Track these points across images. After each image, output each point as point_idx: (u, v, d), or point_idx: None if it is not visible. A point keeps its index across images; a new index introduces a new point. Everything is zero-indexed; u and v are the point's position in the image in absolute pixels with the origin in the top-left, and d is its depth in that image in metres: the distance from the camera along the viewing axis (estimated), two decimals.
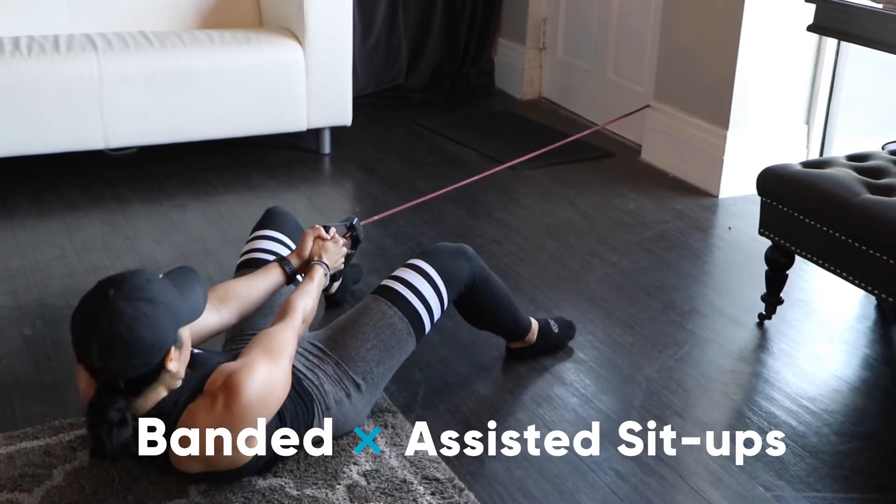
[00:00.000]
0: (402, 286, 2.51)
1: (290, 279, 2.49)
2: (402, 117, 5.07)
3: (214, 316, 2.31)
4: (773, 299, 3.06)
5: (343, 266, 2.66)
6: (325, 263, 2.51)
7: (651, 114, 4.45)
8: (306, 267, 2.52)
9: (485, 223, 3.79)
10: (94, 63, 3.90)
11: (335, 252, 2.57)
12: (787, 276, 3.03)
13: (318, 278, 2.47)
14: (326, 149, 4.50)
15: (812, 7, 3.30)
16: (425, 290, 2.52)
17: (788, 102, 4.15)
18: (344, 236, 2.67)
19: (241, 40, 4.18)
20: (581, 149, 4.55)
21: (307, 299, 2.38)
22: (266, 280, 2.45)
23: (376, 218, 3.24)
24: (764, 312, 3.09)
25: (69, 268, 3.34)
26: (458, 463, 2.39)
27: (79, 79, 3.87)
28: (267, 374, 2.11)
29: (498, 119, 5.12)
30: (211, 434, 2.05)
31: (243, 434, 2.07)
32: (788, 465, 2.43)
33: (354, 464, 2.35)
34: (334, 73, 4.32)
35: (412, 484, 2.29)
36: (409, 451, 2.39)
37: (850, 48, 4.06)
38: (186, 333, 2.10)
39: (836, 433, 2.57)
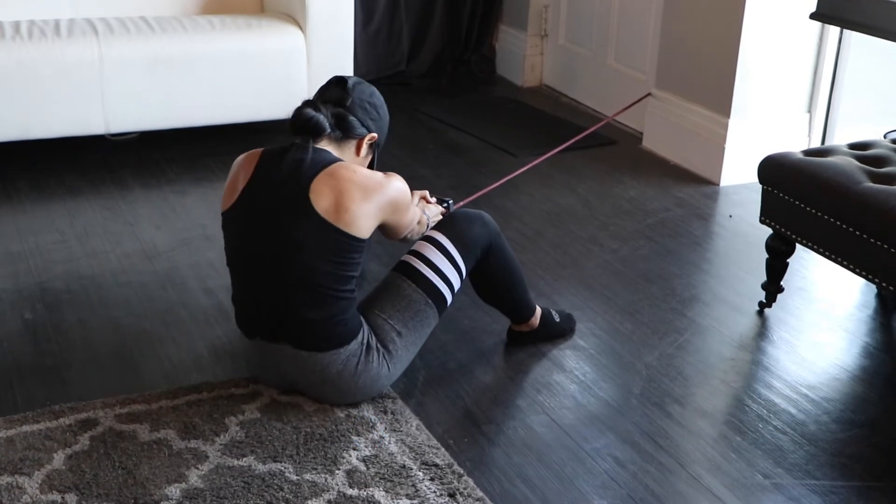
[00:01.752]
0: (417, 260, 2.58)
1: None
2: (404, 103, 5.06)
3: None
4: (773, 287, 3.06)
5: None
6: (427, 214, 2.77)
7: (652, 101, 4.44)
8: None
9: (485, 209, 3.76)
10: (95, 48, 3.89)
11: (435, 213, 2.82)
12: (787, 264, 3.03)
13: (433, 212, 2.79)
14: None
15: None
16: (440, 262, 2.58)
17: (790, 90, 4.15)
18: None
19: (243, 26, 4.17)
20: (583, 137, 4.54)
21: (420, 211, 2.72)
22: None
23: (468, 200, 3.46)
24: (764, 300, 3.09)
25: (70, 252, 3.34)
26: (458, 449, 2.39)
27: (80, 64, 3.87)
28: (409, 193, 2.56)
29: (499, 106, 5.11)
30: (365, 178, 2.41)
31: (377, 202, 2.42)
32: (787, 453, 2.43)
33: (354, 449, 2.36)
34: (335, 59, 4.31)
35: (411, 469, 2.29)
36: (409, 437, 2.40)
37: (852, 36, 4.05)
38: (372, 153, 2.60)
39: (835, 421, 2.57)
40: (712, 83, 4.10)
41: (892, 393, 2.73)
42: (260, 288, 2.46)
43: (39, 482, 2.22)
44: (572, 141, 4.31)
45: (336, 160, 2.44)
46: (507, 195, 3.95)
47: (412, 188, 3.62)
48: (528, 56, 5.43)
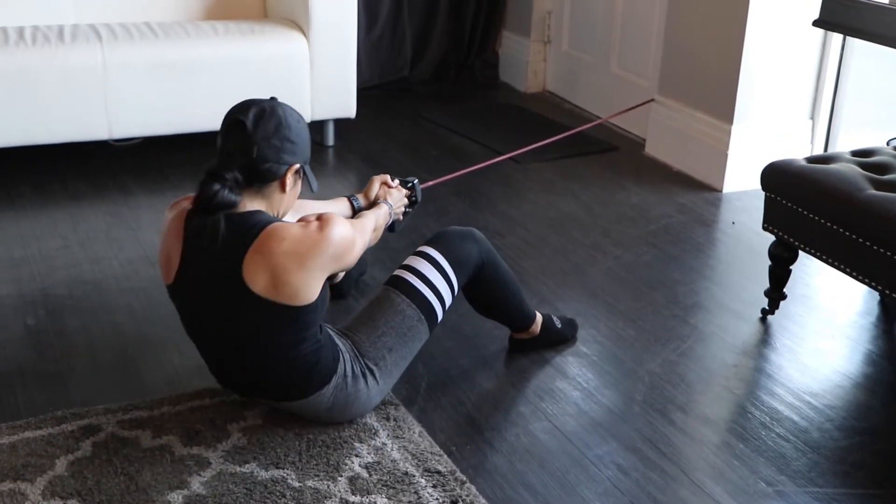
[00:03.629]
0: (410, 275, 2.54)
1: (356, 214, 2.71)
2: (407, 109, 5.06)
3: (291, 219, 2.45)
4: (776, 294, 3.06)
5: (401, 217, 2.84)
6: (389, 203, 2.74)
7: (655, 108, 4.44)
8: (372, 207, 2.75)
9: (488, 216, 3.79)
10: (99, 53, 3.89)
11: (398, 199, 2.79)
12: (790, 271, 3.03)
13: (383, 212, 2.71)
14: (330, 140, 4.50)
15: (818, 2, 3.30)
16: (433, 277, 2.54)
17: (793, 97, 4.15)
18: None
19: (246, 32, 4.18)
20: (585, 142, 4.55)
21: (373, 218, 2.64)
22: (335, 207, 2.71)
23: (432, 183, 3.35)
24: (767, 307, 3.09)
25: (72, 258, 3.35)
26: (460, 455, 2.39)
27: (83, 69, 3.87)
28: (352, 230, 2.35)
29: (502, 112, 5.11)
30: (296, 243, 2.22)
31: (318, 265, 2.24)
32: (790, 461, 2.43)
33: (356, 456, 2.35)
34: (339, 65, 4.31)
35: (414, 476, 2.29)
36: (412, 444, 2.40)
37: (855, 43, 4.05)
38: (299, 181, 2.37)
39: (838, 429, 2.57)
40: (715, 90, 4.10)
41: (894, 400, 2.73)
42: (221, 358, 2.41)
43: (42, 488, 2.21)
44: (562, 136, 4.32)
45: (260, 225, 2.24)
46: (509, 201, 3.95)
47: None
48: (531, 62, 5.43)
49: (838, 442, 2.52)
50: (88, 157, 4.20)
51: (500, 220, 3.76)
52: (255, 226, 2.25)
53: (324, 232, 2.26)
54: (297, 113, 2.37)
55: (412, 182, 2.88)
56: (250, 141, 2.25)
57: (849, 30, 3.38)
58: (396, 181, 2.85)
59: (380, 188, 2.78)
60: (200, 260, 2.29)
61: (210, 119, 4.15)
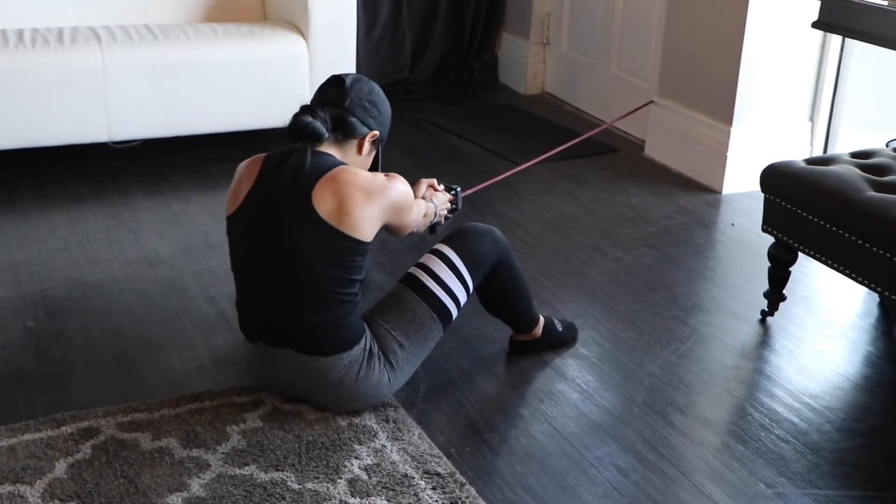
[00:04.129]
0: (424, 274, 2.57)
1: None
2: (406, 110, 5.06)
3: None
4: (775, 296, 3.06)
5: (443, 221, 2.88)
6: (434, 203, 2.80)
7: (655, 109, 4.44)
8: None
9: (488, 217, 3.78)
10: (98, 56, 3.89)
11: (443, 201, 2.86)
12: (789, 272, 3.03)
13: (431, 208, 2.78)
14: None
15: (817, 3, 3.30)
16: (447, 277, 2.57)
17: (792, 99, 4.15)
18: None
19: (245, 34, 4.18)
20: (585, 144, 4.54)
21: (424, 206, 2.73)
22: None
23: (473, 190, 3.42)
24: (766, 309, 3.09)
25: (72, 260, 3.35)
26: (460, 457, 2.39)
27: (83, 71, 3.87)
28: (411, 193, 2.57)
29: (501, 114, 5.11)
30: (367, 181, 2.41)
31: (380, 206, 2.42)
32: (790, 462, 2.43)
33: (356, 458, 2.35)
34: (338, 67, 4.29)
35: (413, 478, 2.29)
36: (411, 446, 2.40)
37: (854, 44, 4.05)
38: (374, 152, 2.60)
39: (838, 430, 2.57)
40: (715, 91, 4.10)
41: (894, 402, 2.73)
42: (263, 292, 2.47)
43: (41, 491, 2.21)
44: (568, 144, 4.31)
45: (338, 163, 2.45)
46: (509, 203, 3.95)
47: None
48: (531, 64, 5.44)
49: (838, 443, 2.52)
50: (88, 159, 4.20)
51: (499, 221, 3.76)
52: (332, 163, 2.43)
53: (391, 182, 2.47)
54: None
55: (456, 190, 2.93)
56: (345, 94, 2.50)
57: (848, 31, 3.38)
58: (442, 186, 2.89)
59: (426, 189, 2.83)
60: (274, 186, 2.44)
61: (210, 121, 4.16)
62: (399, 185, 2.49)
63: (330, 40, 4.26)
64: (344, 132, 2.50)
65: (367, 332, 2.48)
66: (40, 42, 3.86)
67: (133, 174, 4.10)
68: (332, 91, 2.52)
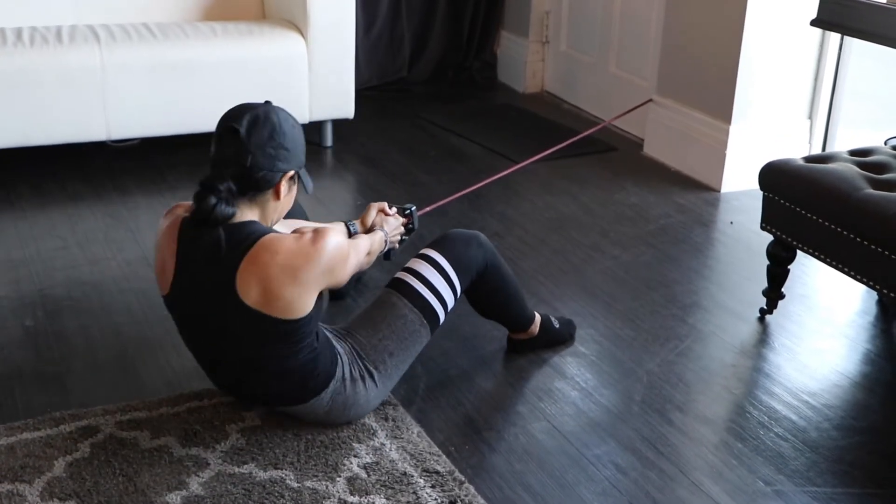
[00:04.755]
0: (413, 278, 2.54)
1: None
2: (405, 110, 5.07)
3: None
4: (774, 294, 3.06)
5: (397, 245, 2.80)
6: (385, 231, 2.71)
7: (654, 108, 4.44)
8: (368, 233, 2.69)
9: (487, 216, 3.79)
10: (97, 54, 3.89)
11: (395, 226, 2.77)
12: (788, 270, 3.03)
13: (378, 238, 2.67)
14: (328, 141, 4.50)
15: (815, 1, 3.30)
16: (437, 281, 2.54)
17: (791, 97, 4.15)
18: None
19: (244, 32, 4.18)
20: (583, 143, 4.54)
21: (368, 242, 2.60)
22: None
23: (429, 209, 3.28)
24: (765, 307, 3.09)
25: (71, 259, 3.35)
26: (459, 456, 2.39)
27: (81, 70, 3.87)
28: (346, 243, 2.34)
29: (500, 112, 5.11)
30: (289, 256, 2.19)
31: (311, 278, 2.21)
32: (788, 460, 2.43)
33: (355, 456, 2.36)
34: (337, 66, 4.32)
35: (412, 476, 2.29)
36: (410, 444, 2.40)
37: (853, 42, 4.05)
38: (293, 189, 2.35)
39: (836, 428, 2.57)
40: (713, 89, 4.10)
41: (893, 400, 2.73)
42: (220, 368, 2.41)
43: (40, 490, 2.21)
44: (567, 143, 4.31)
45: (256, 236, 2.22)
46: (508, 202, 3.95)
47: (412, 196, 3.64)
48: (530, 62, 5.44)
49: (836, 441, 2.52)
50: (87, 158, 4.20)
51: (498, 220, 3.76)
52: (249, 237, 2.22)
53: (317, 244, 2.23)
54: (292, 117, 2.32)
55: (410, 209, 2.85)
56: (244, 149, 2.21)
57: (846, 29, 3.38)
58: (394, 209, 2.81)
59: (377, 215, 2.75)
60: (195, 272, 2.28)
61: (208, 120, 4.10)
62: (327, 243, 2.24)
63: (329, 39, 4.26)
64: (255, 189, 2.26)
65: (342, 359, 2.40)
66: (39, 41, 3.86)
67: (132, 173, 4.10)
68: (230, 147, 2.23)
